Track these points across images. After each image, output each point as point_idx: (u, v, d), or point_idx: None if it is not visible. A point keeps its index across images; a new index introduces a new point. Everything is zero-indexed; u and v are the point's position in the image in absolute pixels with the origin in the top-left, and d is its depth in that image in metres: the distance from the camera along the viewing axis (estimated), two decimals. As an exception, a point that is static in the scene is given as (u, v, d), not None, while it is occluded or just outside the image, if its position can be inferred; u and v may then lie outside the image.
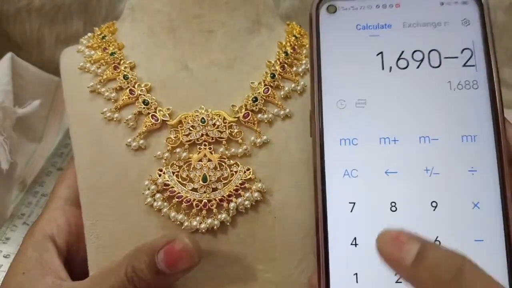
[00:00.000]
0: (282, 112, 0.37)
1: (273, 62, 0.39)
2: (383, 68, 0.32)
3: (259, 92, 0.37)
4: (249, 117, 0.37)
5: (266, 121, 0.37)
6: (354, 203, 0.30)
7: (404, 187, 0.30)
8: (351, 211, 0.30)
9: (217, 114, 0.36)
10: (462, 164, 0.30)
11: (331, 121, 0.31)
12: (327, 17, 0.33)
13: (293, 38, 0.40)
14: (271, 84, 0.38)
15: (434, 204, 0.30)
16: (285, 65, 0.38)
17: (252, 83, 0.38)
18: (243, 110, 0.37)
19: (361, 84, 0.32)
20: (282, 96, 0.38)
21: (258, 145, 0.36)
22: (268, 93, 0.37)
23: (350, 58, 0.33)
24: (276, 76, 0.38)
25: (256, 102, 0.37)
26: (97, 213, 0.36)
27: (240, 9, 0.39)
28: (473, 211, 0.29)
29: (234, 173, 0.35)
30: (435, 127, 0.31)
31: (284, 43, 0.40)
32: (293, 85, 0.38)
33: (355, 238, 0.30)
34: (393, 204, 0.30)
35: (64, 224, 0.37)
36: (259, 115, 0.37)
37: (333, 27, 0.33)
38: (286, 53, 0.39)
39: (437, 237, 0.29)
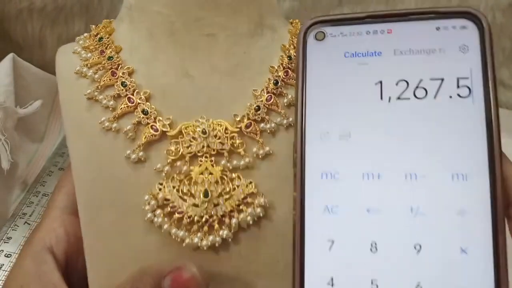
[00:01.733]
0: (285, 121, 0.34)
1: (276, 67, 0.35)
2: (370, 99, 0.29)
3: (262, 100, 0.34)
4: (251, 127, 0.34)
5: (269, 131, 0.34)
6: (333, 241, 0.27)
7: (386, 226, 0.27)
8: (330, 249, 0.27)
9: (218, 124, 0.33)
10: (450, 204, 0.27)
11: (314, 153, 0.29)
12: (315, 44, 0.30)
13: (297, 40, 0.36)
14: (274, 92, 0.35)
15: (417, 246, 0.26)
16: (289, 70, 0.35)
17: (254, 90, 0.35)
18: (245, 120, 0.34)
19: (346, 115, 0.29)
20: (286, 104, 0.35)
21: (260, 156, 0.33)
22: (271, 101, 0.34)
23: (336, 88, 0.29)
24: (279, 82, 0.35)
25: (259, 112, 0.34)
26: (97, 229, 0.33)
27: (242, 11, 0.36)
28: (460, 257, 0.26)
29: (236, 187, 0.33)
30: (424, 163, 0.27)
31: (287, 45, 0.36)
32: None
33: (332, 278, 0.27)
34: (373, 244, 0.27)
35: (63, 235, 0.35)
36: (262, 125, 0.34)
37: (320, 55, 0.30)
38: (289, 57, 0.35)
39: (418, 282, 0.26)
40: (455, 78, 0.28)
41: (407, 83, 0.29)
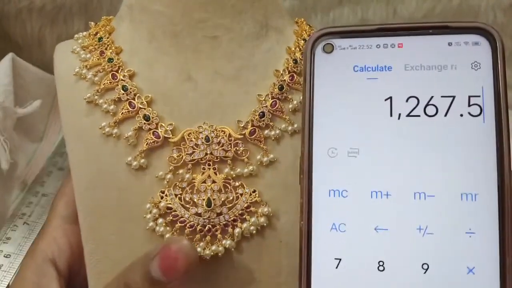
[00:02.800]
0: (290, 128, 0.33)
1: (281, 71, 0.34)
2: (379, 116, 0.28)
3: (266, 106, 0.33)
4: (255, 134, 0.33)
5: (273, 138, 0.33)
6: (340, 259, 0.27)
7: (394, 245, 0.27)
8: (337, 267, 0.27)
9: (222, 131, 0.32)
10: (459, 224, 0.26)
11: (321, 170, 0.28)
12: (323, 57, 0.29)
13: (302, 41, 0.35)
14: (279, 97, 0.33)
15: (425, 266, 0.26)
16: (294, 74, 0.34)
17: (259, 95, 0.33)
18: (249, 126, 0.33)
19: (355, 131, 0.28)
20: (291, 110, 0.33)
21: (264, 164, 0.32)
22: (276, 106, 0.33)
23: (345, 103, 0.29)
24: (285, 87, 0.33)
25: (263, 118, 0.33)
26: (97, 238, 0.32)
27: (247, 12, 0.34)
28: (467, 277, 0.26)
29: (240, 195, 0.32)
30: (433, 182, 0.27)
31: (293, 48, 0.35)
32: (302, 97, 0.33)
33: None
34: (381, 263, 0.26)
35: (65, 245, 0.35)
36: (266, 131, 0.33)
37: (328, 68, 0.29)
38: (295, 60, 0.34)
39: None
40: (466, 96, 0.27)
41: (418, 100, 0.28)
